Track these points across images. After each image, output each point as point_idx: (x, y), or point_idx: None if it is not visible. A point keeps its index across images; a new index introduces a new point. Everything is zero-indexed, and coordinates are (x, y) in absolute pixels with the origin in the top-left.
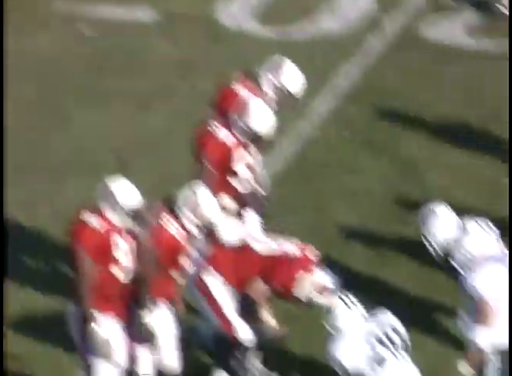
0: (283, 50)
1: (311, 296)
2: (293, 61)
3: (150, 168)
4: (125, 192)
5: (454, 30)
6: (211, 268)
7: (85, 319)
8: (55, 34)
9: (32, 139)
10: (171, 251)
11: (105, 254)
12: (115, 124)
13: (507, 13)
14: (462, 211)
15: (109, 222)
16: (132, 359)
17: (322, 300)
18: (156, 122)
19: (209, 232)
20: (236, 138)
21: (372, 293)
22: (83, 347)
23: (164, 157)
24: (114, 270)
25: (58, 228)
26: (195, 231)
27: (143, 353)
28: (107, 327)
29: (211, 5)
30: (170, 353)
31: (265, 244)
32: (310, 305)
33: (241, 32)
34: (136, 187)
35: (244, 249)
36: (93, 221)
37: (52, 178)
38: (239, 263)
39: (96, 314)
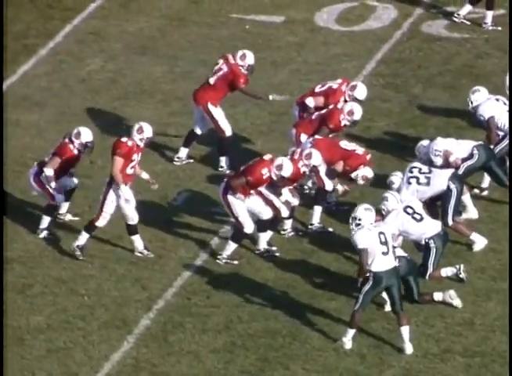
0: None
1: (357, 179)
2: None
3: None
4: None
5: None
6: (317, 151)
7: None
8: None
9: None
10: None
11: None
12: None
13: None
14: None
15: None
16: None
17: (361, 183)
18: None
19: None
20: None
21: None
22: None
23: None
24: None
25: None
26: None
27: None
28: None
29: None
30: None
31: (347, 144)
32: (353, 181)
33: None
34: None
35: (336, 143)
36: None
37: None
38: (332, 150)
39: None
